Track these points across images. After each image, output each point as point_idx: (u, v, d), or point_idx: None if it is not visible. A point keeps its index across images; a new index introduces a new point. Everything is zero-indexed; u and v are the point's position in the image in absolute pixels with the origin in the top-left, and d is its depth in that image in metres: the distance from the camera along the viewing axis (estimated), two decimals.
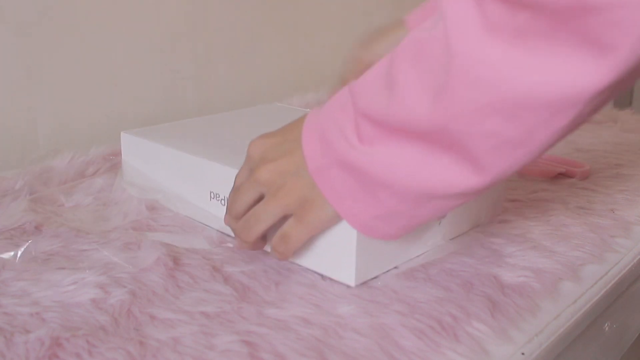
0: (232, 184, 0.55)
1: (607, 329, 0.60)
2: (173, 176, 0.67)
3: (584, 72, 0.35)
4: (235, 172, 0.56)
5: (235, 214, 0.53)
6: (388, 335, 0.46)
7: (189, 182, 0.65)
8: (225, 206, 0.56)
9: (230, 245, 0.59)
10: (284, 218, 0.51)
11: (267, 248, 0.56)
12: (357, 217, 0.48)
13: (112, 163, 0.80)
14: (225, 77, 1.12)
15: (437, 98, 0.41)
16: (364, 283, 0.53)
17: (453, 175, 0.43)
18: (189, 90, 1.06)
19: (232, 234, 0.56)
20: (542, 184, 0.78)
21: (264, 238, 0.54)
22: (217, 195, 0.62)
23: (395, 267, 0.56)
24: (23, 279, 0.52)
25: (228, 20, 1.11)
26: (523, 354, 0.46)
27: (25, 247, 0.56)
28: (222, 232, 0.62)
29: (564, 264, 0.57)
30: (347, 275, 0.52)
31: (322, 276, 0.54)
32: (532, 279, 0.54)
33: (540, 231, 0.64)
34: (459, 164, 0.43)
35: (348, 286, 0.52)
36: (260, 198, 0.52)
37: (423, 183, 0.44)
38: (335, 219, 0.50)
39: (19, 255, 0.56)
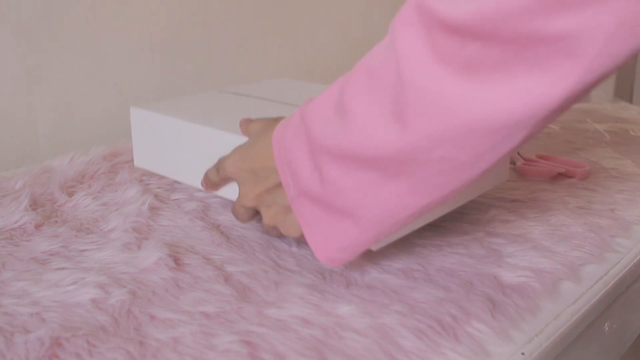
0: None
1: (607, 329, 0.60)
2: (184, 148, 0.67)
3: (535, 97, 0.36)
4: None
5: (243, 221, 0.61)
6: (388, 335, 0.46)
7: (200, 154, 0.65)
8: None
9: None
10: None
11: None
12: (323, 251, 0.50)
13: (112, 163, 0.80)
14: (225, 77, 1.12)
15: (389, 128, 0.42)
16: (364, 283, 0.53)
17: (403, 200, 0.44)
18: (189, 90, 1.06)
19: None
20: (542, 184, 0.78)
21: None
22: None
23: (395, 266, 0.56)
24: (23, 279, 0.52)
25: (228, 19, 1.11)
26: (523, 354, 0.46)
27: None
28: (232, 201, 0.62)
29: (564, 264, 0.57)
30: None
31: (323, 276, 0.54)
32: (532, 279, 0.54)
33: (540, 231, 0.64)
34: (407, 190, 0.44)
35: (348, 284, 0.53)
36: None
37: (377, 210, 0.45)
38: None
39: None
